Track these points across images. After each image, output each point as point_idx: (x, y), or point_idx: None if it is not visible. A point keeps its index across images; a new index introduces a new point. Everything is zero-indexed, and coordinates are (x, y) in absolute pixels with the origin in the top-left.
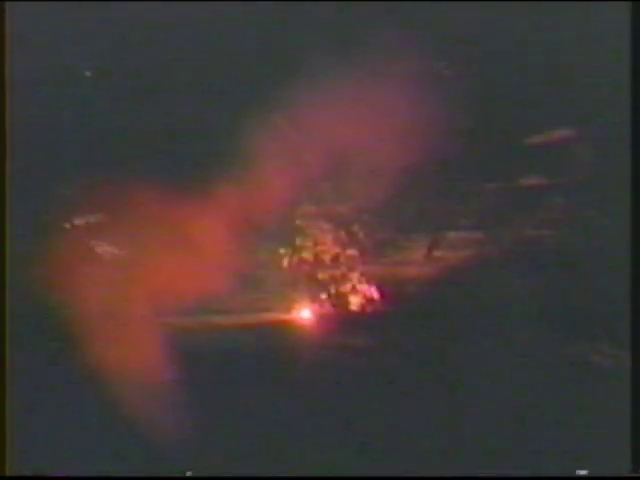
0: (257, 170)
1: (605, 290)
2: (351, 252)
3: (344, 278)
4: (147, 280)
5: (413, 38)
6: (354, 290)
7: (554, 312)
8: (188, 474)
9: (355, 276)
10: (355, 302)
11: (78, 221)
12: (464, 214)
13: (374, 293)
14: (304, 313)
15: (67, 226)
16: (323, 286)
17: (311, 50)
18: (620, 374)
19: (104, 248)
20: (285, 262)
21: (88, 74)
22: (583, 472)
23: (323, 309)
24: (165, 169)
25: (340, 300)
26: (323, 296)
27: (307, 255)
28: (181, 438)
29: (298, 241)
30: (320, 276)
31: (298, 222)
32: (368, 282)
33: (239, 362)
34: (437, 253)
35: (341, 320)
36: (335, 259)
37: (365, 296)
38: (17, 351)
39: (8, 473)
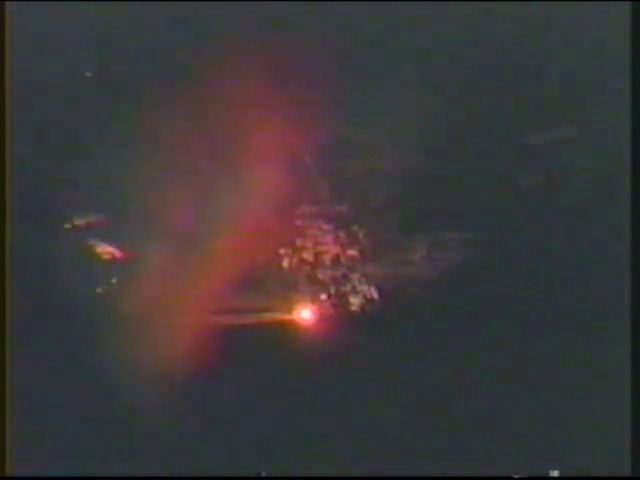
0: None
1: (605, 290)
2: (351, 252)
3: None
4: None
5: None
6: (354, 290)
7: (554, 311)
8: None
9: (355, 276)
10: (355, 302)
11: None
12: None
13: (374, 293)
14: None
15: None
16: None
17: None
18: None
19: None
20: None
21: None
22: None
23: (323, 309)
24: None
25: (340, 300)
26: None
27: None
28: (178, 435)
29: (299, 242)
30: (320, 276)
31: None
32: (368, 282)
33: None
34: (437, 254)
35: (341, 320)
36: (335, 259)
37: (365, 296)
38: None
39: (8, 473)
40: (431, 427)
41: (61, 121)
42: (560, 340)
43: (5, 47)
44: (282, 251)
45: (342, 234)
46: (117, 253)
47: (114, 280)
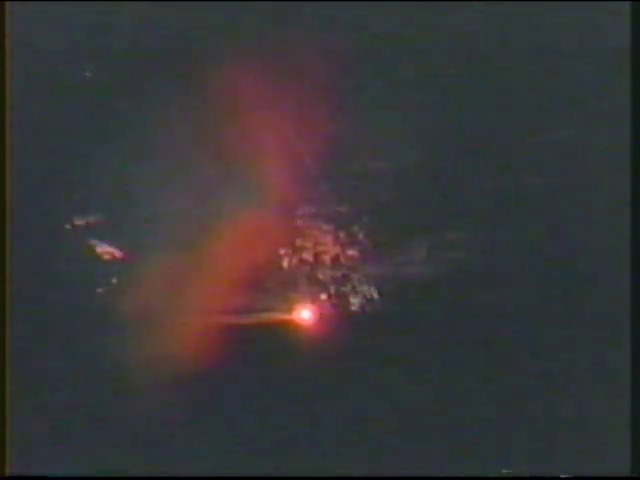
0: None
1: (605, 290)
2: (351, 252)
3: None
4: None
5: None
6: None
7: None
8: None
9: (356, 277)
10: (355, 302)
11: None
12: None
13: (374, 293)
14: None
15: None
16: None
17: None
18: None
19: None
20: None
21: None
22: None
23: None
24: None
25: (340, 300)
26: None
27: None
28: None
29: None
30: (320, 276)
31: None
32: (368, 282)
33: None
34: (437, 254)
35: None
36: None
37: (365, 296)
38: None
39: (8, 473)
40: (431, 427)
41: (61, 121)
42: (561, 340)
43: (5, 47)
44: (282, 251)
45: (342, 234)
46: (117, 253)
47: (114, 280)
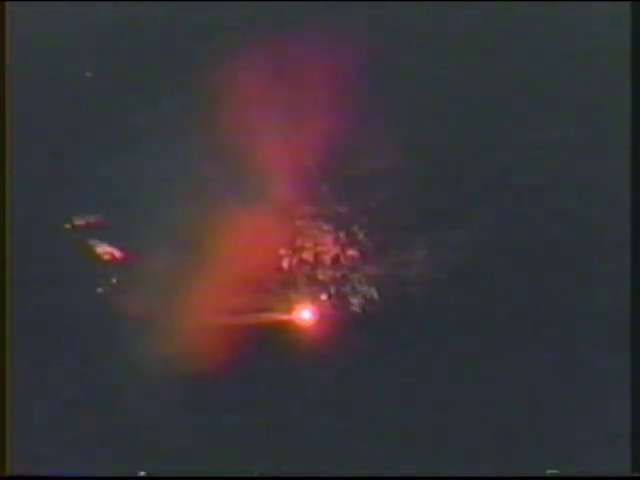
0: None
1: (605, 290)
2: (351, 252)
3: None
4: None
5: None
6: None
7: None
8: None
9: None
10: (355, 302)
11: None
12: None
13: (374, 293)
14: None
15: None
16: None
17: None
18: None
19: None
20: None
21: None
22: None
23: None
24: None
25: (340, 300)
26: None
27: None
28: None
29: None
30: (320, 276)
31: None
32: (368, 283)
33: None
34: (437, 254)
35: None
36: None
37: (365, 296)
38: None
39: (8, 473)
40: (431, 427)
41: (61, 121)
42: (560, 340)
43: (5, 47)
44: (282, 251)
45: (342, 234)
46: (117, 253)
47: (114, 280)
